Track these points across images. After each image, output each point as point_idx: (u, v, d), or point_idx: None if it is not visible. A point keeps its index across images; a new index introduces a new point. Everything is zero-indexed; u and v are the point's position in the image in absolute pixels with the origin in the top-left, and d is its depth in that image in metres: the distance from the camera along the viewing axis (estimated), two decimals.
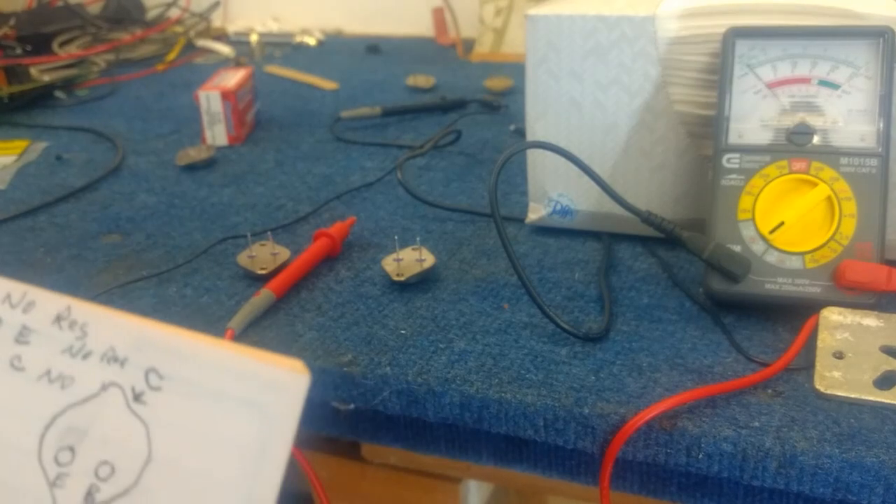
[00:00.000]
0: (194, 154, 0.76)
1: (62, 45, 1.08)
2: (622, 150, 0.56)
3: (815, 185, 0.47)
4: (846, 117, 0.48)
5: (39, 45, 1.05)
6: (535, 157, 0.58)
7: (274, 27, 1.31)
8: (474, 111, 0.88)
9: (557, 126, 0.56)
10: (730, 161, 0.49)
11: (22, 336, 0.18)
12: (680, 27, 0.52)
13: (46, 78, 1.01)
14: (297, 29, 1.30)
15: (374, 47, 1.19)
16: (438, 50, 1.18)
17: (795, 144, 0.48)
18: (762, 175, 0.48)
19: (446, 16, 1.22)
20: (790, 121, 0.49)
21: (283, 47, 1.24)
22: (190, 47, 1.23)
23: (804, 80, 0.49)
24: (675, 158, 0.55)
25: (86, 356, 0.18)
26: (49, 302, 0.18)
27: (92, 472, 0.18)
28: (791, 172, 0.48)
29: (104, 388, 0.18)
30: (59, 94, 1.00)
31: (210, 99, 0.79)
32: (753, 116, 0.49)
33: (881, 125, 0.47)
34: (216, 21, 1.33)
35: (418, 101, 0.90)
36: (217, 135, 0.80)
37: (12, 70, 0.96)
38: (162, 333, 0.18)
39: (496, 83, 0.95)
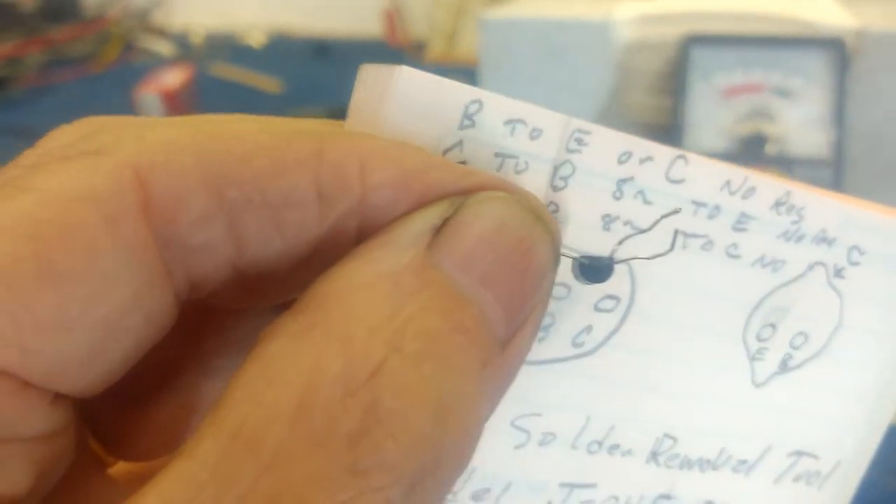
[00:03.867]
0: None
1: None
2: None
3: None
4: (800, 126, 0.48)
5: None
6: None
7: (217, 25, 1.28)
8: None
9: None
10: None
11: (739, 223, 0.18)
12: (635, 33, 0.51)
13: None
14: (241, 26, 1.28)
15: (321, 48, 1.17)
16: (389, 52, 1.17)
17: (750, 152, 0.48)
18: None
19: (397, 17, 1.21)
20: (745, 128, 0.48)
21: (226, 47, 1.21)
22: (128, 45, 1.19)
23: (758, 89, 0.49)
24: None
25: (799, 239, 0.18)
26: (769, 187, 0.18)
27: (788, 343, 0.19)
28: None
29: (810, 267, 0.19)
30: None
31: (149, 100, 0.76)
32: (709, 124, 0.49)
33: (834, 134, 0.47)
34: (157, 18, 1.30)
35: None
36: None
37: None
38: (867, 213, 0.19)
39: None
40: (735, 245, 0.18)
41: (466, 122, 0.16)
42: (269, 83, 1.00)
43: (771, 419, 0.20)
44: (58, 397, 0.13)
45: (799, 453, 0.20)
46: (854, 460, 0.21)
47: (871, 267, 0.19)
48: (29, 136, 0.73)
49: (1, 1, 1.11)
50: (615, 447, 0.19)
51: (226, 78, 1.03)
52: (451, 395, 0.13)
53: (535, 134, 0.16)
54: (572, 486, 0.19)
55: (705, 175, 0.17)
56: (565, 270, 0.17)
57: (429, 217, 0.14)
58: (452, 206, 0.14)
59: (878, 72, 0.48)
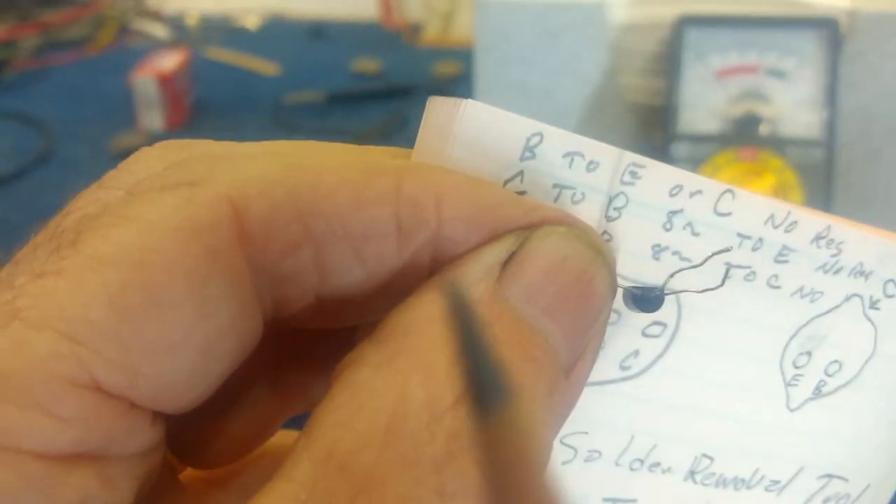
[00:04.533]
0: (128, 141, 0.73)
1: None
2: None
3: (762, 174, 0.47)
4: (793, 106, 0.48)
5: None
6: None
7: (212, 8, 1.27)
8: (422, 97, 0.87)
9: None
10: (679, 150, 0.49)
11: (781, 255, 0.19)
12: (630, 14, 0.51)
13: None
14: (237, 9, 1.27)
15: (317, 31, 1.16)
16: (385, 34, 1.16)
17: (743, 133, 0.48)
18: (711, 164, 0.48)
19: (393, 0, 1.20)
20: (738, 109, 0.49)
21: (222, 30, 1.21)
22: (123, 29, 1.19)
23: (752, 69, 0.49)
24: (625, 146, 0.54)
25: (837, 272, 0.19)
26: (810, 222, 0.18)
27: (822, 370, 0.20)
28: (739, 161, 0.48)
29: (847, 299, 0.19)
30: None
31: (145, 83, 0.76)
32: (702, 105, 0.49)
33: (826, 115, 0.48)
34: (152, 1, 1.29)
35: (364, 87, 0.88)
36: (153, 121, 0.78)
37: None
38: None
39: (444, 69, 0.94)
40: (776, 276, 0.19)
41: (527, 154, 0.16)
42: (265, 66, 0.99)
43: (803, 442, 0.21)
44: (157, 416, 0.14)
45: (829, 476, 0.21)
46: (883, 484, 0.22)
47: None
48: (25, 120, 0.73)
49: None
50: (656, 465, 0.20)
51: (222, 61, 1.03)
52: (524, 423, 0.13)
53: (591, 167, 0.17)
54: (615, 500, 0.20)
55: (751, 209, 0.18)
56: (617, 298, 0.17)
57: (498, 251, 0.15)
58: (518, 241, 0.15)
59: (871, 52, 0.48)
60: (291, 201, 0.14)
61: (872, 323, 0.20)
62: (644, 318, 0.18)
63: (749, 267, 0.19)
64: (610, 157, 0.17)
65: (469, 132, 0.16)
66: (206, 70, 0.97)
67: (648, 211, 0.17)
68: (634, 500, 0.20)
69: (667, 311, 0.18)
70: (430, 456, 0.12)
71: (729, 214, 0.18)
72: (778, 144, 0.48)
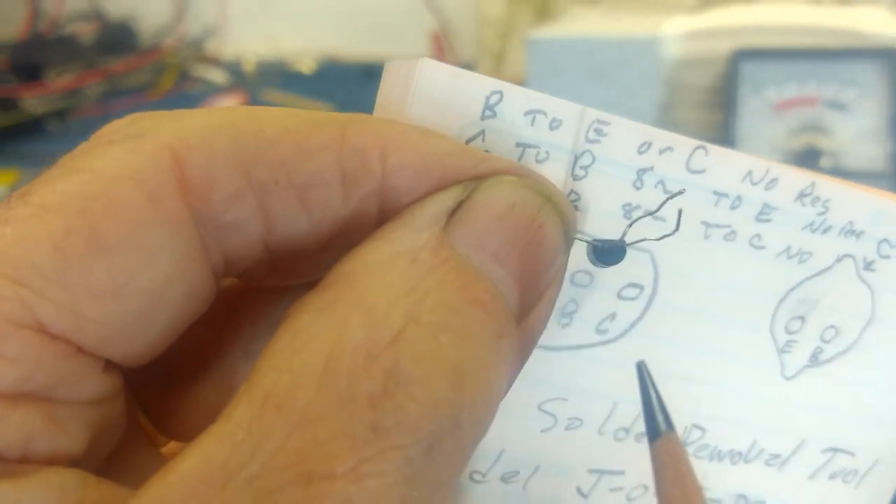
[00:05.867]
0: None
1: (55, 75, 1.08)
2: None
3: None
4: (854, 139, 0.47)
5: (32, 75, 1.04)
6: None
7: (268, 52, 1.30)
8: None
9: None
10: None
11: (763, 214, 0.18)
12: (685, 48, 0.51)
13: (39, 108, 1.00)
14: (292, 53, 1.30)
15: (370, 72, 1.18)
16: None
17: (804, 167, 0.47)
18: None
19: (444, 39, 1.22)
20: (798, 143, 0.48)
21: (278, 74, 1.23)
22: (184, 74, 1.22)
23: (811, 102, 0.48)
24: None
25: (825, 231, 0.18)
26: (792, 178, 0.18)
27: (818, 336, 0.19)
28: None
29: (838, 259, 0.19)
30: (51, 124, 0.99)
31: None
32: (761, 138, 0.48)
33: (890, 146, 0.46)
34: (210, 47, 1.33)
35: None
36: None
37: (4, 101, 0.95)
38: None
39: None
40: (759, 236, 0.18)
41: (488, 113, 0.16)
42: (320, 108, 1.01)
43: (803, 413, 0.20)
44: (108, 365, 0.14)
45: (834, 450, 0.20)
46: (894, 460, 0.20)
47: None
48: None
49: (61, 34, 1.15)
50: (643, 435, 0.19)
51: (278, 104, 1.05)
52: (467, 363, 0.13)
53: (554, 124, 0.17)
54: (601, 472, 0.19)
55: (726, 165, 0.17)
56: (583, 256, 0.17)
57: (444, 200, 0.15)
58: (466, 190, 0.15)
59: None
60: (232, 150, 0.14)
61: (868, 285, 0.19)
62: (618, 280, 0.18)
63: (728, 226, 0.18)
64: (573, 114, 0.16)
65: (427, 92, 0.16)
66: None
67: (617, 169, 0.17)
68: (622, 472, 0.19)
69: (642, 273, 0.18)
70: (365, 392, 0.12)
71: (703, 171, 0.17)
72: (840, 177, 0.47)
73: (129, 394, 0.16)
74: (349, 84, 1.16)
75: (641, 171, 0.17)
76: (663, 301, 0.18)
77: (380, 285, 0.14)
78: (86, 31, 1.21)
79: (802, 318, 0.19)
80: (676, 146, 0.17)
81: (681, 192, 0.17)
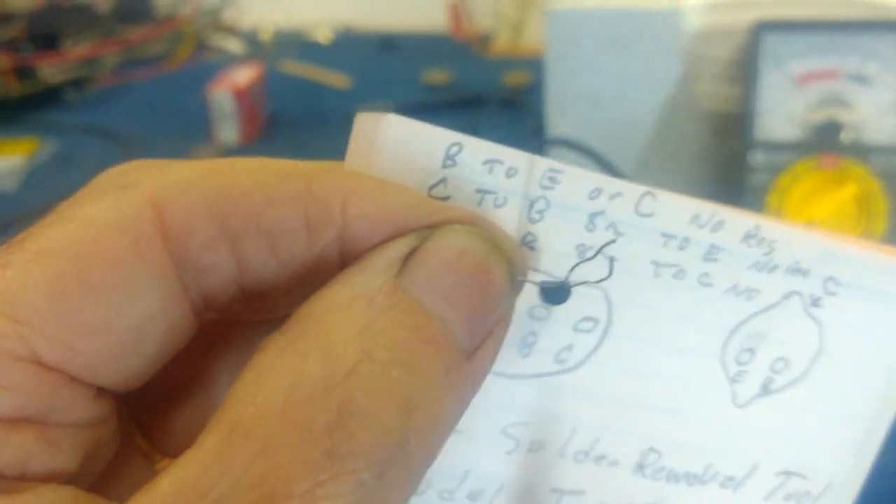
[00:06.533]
0: (205, 154, 0.75)
1: (72, 44, 1.08)
2: (645, 148, 0.54)
3: (844, 182, 0.46)
4: (876, 112, 0.47)
5: (49, 44, 1.04)
6: (555, 155, 0.57)
7: (285, 22, 1.30)
8: (492, 108, 0.87)
9: (578, 122, 0.55)
10: (756, 158, 0.48)
11: (710, 254, 0.19)
12: (705, 20, 0.50)
13: (56, 77, 1.00)
14: (309, 23, 1.29)
15: (388, 43, 1.17)
16: (454, 45, 1.17)
17: (824, 141, 0.47)
18: (790, 172, 0.47)
19: (462, 10, 1.21)
20: (818, 116, 0.47)
21: (295, 44, 1.23)
22: (200, 44, 1.22)
23: (832, 75, 0.48)
24: (700, 156, 0.53)
25: (771, 270, 0.19)
26: (738, 221, 0.19)
27: (768, 367, 0.20)
28: (819, 170, 0.46)
29: (786, 296, 0.20)
30: (69, 93, 0.99)
31: (221, 97, 0.78)
32: (780, 112, 0.48)
33: None
34: (227, 17, 1.33)
35: (435, 98, 0.88)
36: (228, 134, 0.79)
37: (22, 70, 0.96)
38: (844, 246, 0.19)
39: (515, 79, 0.93)
40: (707, 274, 0.19)
41: (449, 163, 0.18)
42: (337, 79, 1.01)
43: (755, 439, 0.21)
44: (100, 391, 0.16)
45: (787, 473, 0.21)
46: (845, 483, 0.21)
47: (848, 297, 0.20)
48: (107, 134, 0.75)
49: (77, 3, 1.15)
50: (601, 458, 0.20)
51: (295, 74, 1.05)
52: (416, 395, 0.15)
53: (510, 172, 0.18)
54: (562, 492, 0.20)
55: (674, 209, 0.19)
56: (535, 295, 0.19)
57: (400, 246, 0.16)
58: (420, 238, 0.17)
59: None
60: (208, 201, 0.16)
61: (816, 320, 0.20)
62: (575, 314, 0.19)
63: (677, 265, 0.19)
64: (526, 163, 0.18)
65: (391, 145, 0.18)
66: (280, 83, 0.99)
67: (570, 213, 0.18)
68: (582, 492, 0.20)
69: (597, 307, 0.19)
70: (322, 422, 0.14)
71: (651, 215, 0.19)
72: (861, 152, 0.46)
73: (126, 415, 0.19)
74: (366, 54, 1.15)
75: (593, 215, 0.19)
76: (618, 333, 0.19)
77: (337, 325, 0.15)
78: (102, 1, 1.21)
79: (752, 351, 0.20)
80: (626, 192, 0.18)
81: (613, 242, 0.19)
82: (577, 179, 0.18)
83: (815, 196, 0.46)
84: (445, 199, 0.18)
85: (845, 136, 0.47)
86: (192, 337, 0.17)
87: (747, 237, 0.19)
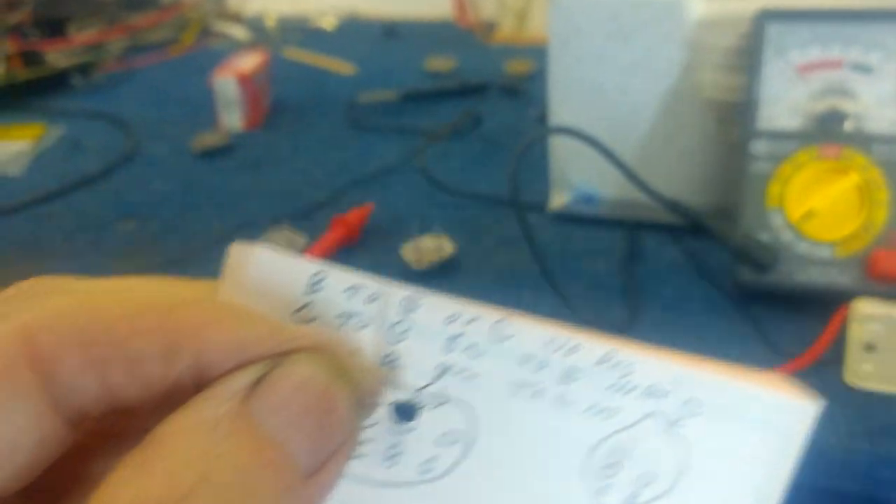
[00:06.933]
0: (209, 140, 0.75)
1: (78, 30, 1.08)
2: (647, 136, 0.54)
3: (846, 172, 0.46)
4: (879, 102, 0.47)
5: (55, 29, 1.05)
6: (557, 143, 0.57)
7: (290, 9, 1.29)
8: (495, 95, 0.87)
9: (580, 111, 0.55)
10: (758, 147, 0.48)
11: (567, 375, 0.20)
12: (707, 9, 0.50)
13: (62, 63, 1.00)
14: (313, 10, 1.29)
15: (391, 30, 1.17)
16: (458, 33, 1.17)
17: (826, 130, 0.47)
18: (792, 162, 0.47)
19: None
20: (821, 106, 0.47)
21: (299, 31, 1.23)
22: (205, 31, 1.22)
23: (835, 64, 0.48)
24: (702, 144, 0.54)
25: (629, 391, 0.20)
26: (592, 346, 0.20)
27: (633, 481, 0.21)
28: (821, 159, 0.47)
29: (646, 416, 0.20)
30: (74, 79, 1.00)
31: (225, 84, 0.78)
32: (783, 101, 0.48)
33: None
34: (232, 4, 1.32)
35: (437, 86, 0.88)
36: (233, 120, 0.80)
37: (28, 55, 0.96)
38: (703, 371, 0.20)
39: (518, 67, 0.93)
40: (565, 394, 0.20)
41: (315, 288, 0.20)
42: (341, 66, 1.01)
43: None
44: None
45: None
46: None
47: (711, 418, 0.20)
48: (112, 120, 0.75)
49: None
50: None
51: (299, 61, 1.05)
52: None
53: (371, 298, 0.20)
54: None
55: (529, 334, 0.20)
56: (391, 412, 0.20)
57: (248, 374, 0.18)
58: (268, 366, 0.18)
59: None
60: (75, 332, 0.18)
61: (680, 438, 0.20)
62: (439, 428, 0.20)
63: (535, 385, 0.20)
64: (386, 290, 0.20)
65: (261, 273, 0.19)
66: (284, 70, 0.99)
67: (429, 335, 0.20)
68: None
69: (459, 422, 0.20)
70: None
71: (510, 338, 0.20)
72: (863, 141, 0.46)
73: None
74: (370, 41, 1.15)
75: (452, 338, 0.20)
76: (481, 447, 0.20)
77: (181, 448, 0.17)
78: None
79: (617, 465, 0.21)
80: (482, 316, 0.20)
81: (432, 383, 0.20)
82: (436, 306, 0.20)
83: (817, 185, 0.47)
84: (311, 320, 0.20)
85: (848, 126, 0.47)
86: (73, 443, 0.19)
87: (601, 361, 0.20)
